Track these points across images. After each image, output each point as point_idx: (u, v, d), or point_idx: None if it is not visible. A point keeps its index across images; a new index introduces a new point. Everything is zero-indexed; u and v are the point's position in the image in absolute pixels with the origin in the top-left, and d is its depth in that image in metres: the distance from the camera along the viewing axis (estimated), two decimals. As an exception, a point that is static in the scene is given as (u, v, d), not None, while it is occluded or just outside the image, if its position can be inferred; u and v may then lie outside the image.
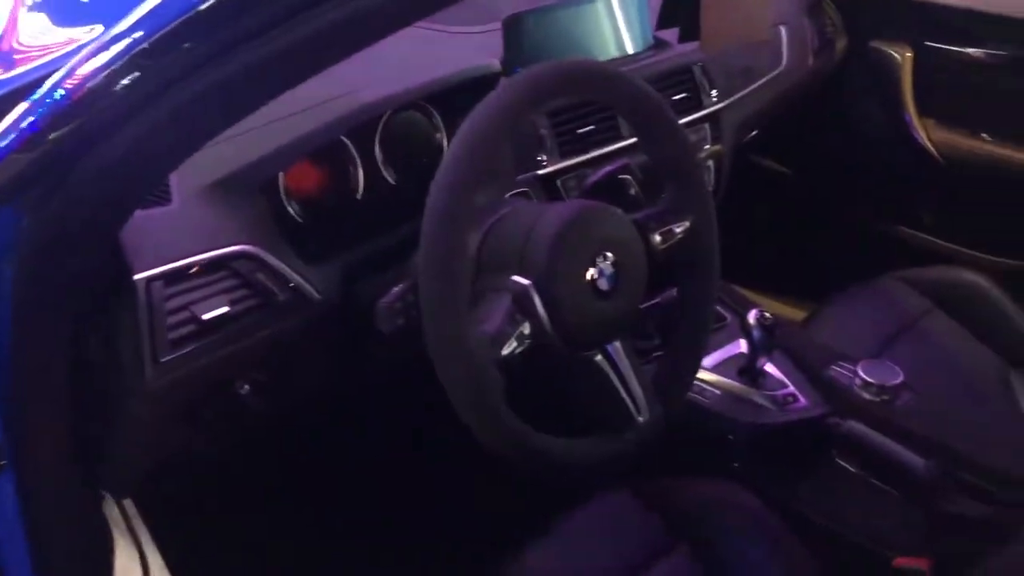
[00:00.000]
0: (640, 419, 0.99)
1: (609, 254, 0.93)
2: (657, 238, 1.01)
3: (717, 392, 1.31)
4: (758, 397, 1.30)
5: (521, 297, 0.89)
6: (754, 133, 1.66)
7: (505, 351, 0.87)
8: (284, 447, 1.59)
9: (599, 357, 0.98)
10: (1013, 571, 1.00)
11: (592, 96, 1.02)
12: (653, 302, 1.32)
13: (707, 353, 1.38)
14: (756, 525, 1.17)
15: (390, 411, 1.66)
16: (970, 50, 1.74)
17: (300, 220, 1.10)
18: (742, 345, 1.34)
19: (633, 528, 1.12)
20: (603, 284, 0.93)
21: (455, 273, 0.83)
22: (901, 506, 1.20)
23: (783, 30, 1.63)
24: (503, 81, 1.23)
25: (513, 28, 1.26)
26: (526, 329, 0.89)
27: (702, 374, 1.33)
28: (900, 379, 1.27)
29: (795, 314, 1.72)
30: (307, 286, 1.07)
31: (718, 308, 1.46)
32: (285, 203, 1.09)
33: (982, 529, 1.13)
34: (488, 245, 0.94)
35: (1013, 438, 1.30)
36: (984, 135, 1.77)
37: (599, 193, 1.14)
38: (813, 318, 1.63)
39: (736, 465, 1.30)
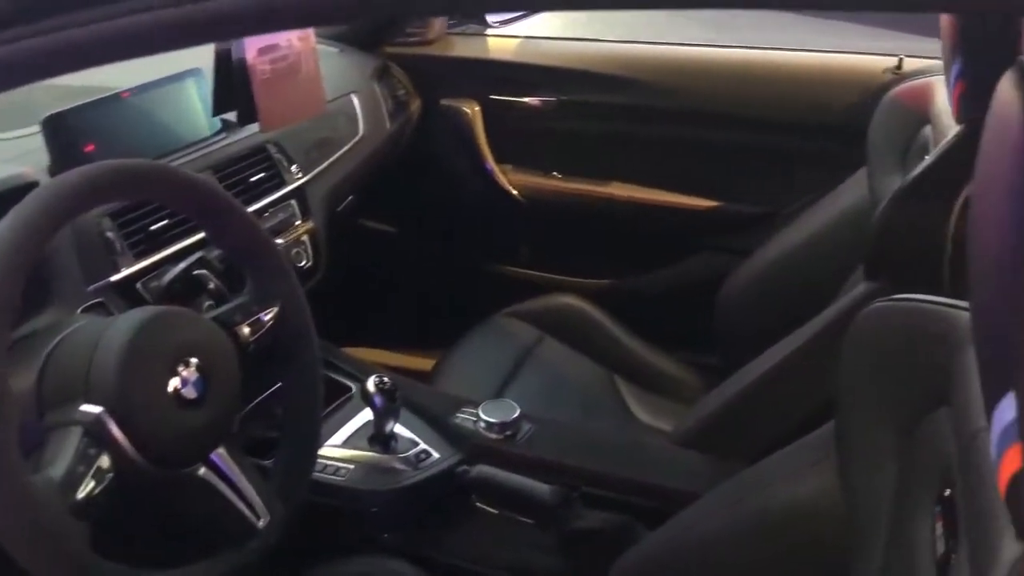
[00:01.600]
0: (261, 524, 0.94)
1: (192, 359, 0.87)
2: (245, 330, 0.96)
3: (351, 467, 1.29)
4: (392, 462, 1.30)
5: (93, 428, 0.80)
6: (349, 199, 1.68)
7: (81, 494, 0.77)
8: None
9: (203, 471, 0.91)
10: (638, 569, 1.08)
11: (131, 198, 0.96)
12: (269, 392, 1.27)
13: (337, 428, 1.36)
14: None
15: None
16: (527, 99, 1.91)
17: None
18: (370, 413, 1.34)
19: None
20: (189, 393, 0.86)
21: None
22: (538, 534, 1.26)
23: (355, 98, 1.67)
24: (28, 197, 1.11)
25: (53, 128, 1.15)
26: (104, 462, 0.80)
27: (333, 452, 1.31)
28: (517, 413, 1.33)
29: (426, 364, 1.76)
30: None
31: (340, 379, 1.44)
32: None
33: (612, 537, 1.22)
34: (48, 376, 0.84)
35: (629, 444, 1.43)
36: (555, 173, 1.95)
37: (176, 294, 1.07)
38: (438, 367, 1.68)
39: (386, 536, 1.29)
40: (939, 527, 0.67)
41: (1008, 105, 0.53)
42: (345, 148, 1.58)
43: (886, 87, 1.55)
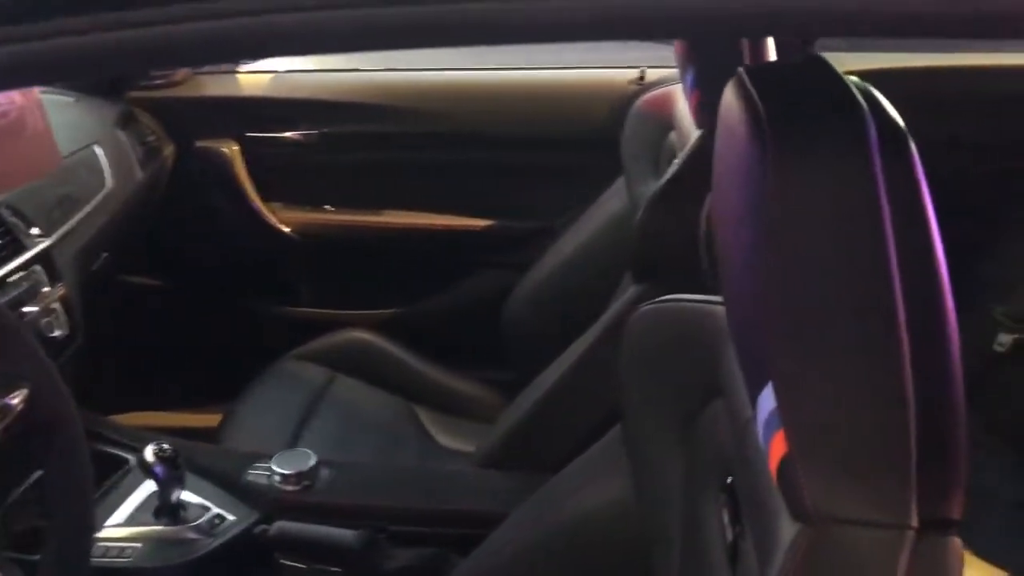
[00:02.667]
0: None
1: None
2: (-10, 419, 0.86)
3: (138, 545, 1.19)
4: (183, 532, 1.21)
5: None
6: (104, 257, 1.56)
7: None
8: None
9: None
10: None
11: None
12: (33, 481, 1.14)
13: (117, 505, 1.25)
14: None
15: None
16: (287, 134, 1.86)
17: None
18: (153, 484, 1.24)
19: None
20: (-73, 498, 0.76)
21: None
22: (350, 582, 1.22)
23: (98, 149, 1.56)
24: None
25: None
26: None
27: (116, 532, 1.21)
28: (313, 461, 1.29)
29: (213, 421, 1.66)
30: None
31: (114, 452, 1.34)
32: None
33: (426, 573, 1.20)
34: None
35: (431, 475, 1.41)
36: (326, 207, 1.91)
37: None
38: (225, 422, 1.59)
39: (189, 613, 1.20)
40: (725, 515, 0.70)
41: (732, 114, 0.57)
42: (92, 204, 1.46)
43: (632, 98, 1.64)
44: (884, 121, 0.53)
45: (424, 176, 1.89)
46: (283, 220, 1.90)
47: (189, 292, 1.96)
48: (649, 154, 1.52)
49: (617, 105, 1.68)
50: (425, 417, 1.64)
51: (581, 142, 1.76)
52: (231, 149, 1.86)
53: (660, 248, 1.20)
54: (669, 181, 1.20)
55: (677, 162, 1.24)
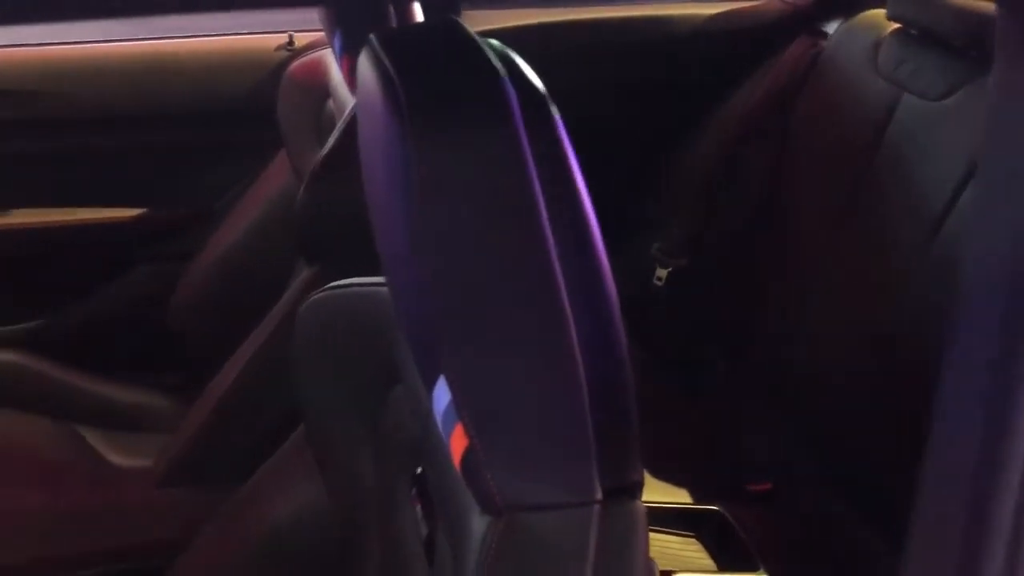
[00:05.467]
0: None
1: None
2: None
3: None
4: None
5: None
6: None
7: None
8: None
9: None
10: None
11: None
12: None
13: None
14: None
15: None
16: None
17: None
18: None
19: None
20: None
21: None
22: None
23: None
24: None
25: None
26: None
27: None
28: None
29: None
30: None
31: None
32: None
33: None
34: None
35: (100, 508, 1.25)
36: None
37: None
38: None
39: None
40: (419, 509, 0.67)
41: (367, 85, 0.52)
42: None
43: (283, 65, 1.54)
44: (522, 84, 0.50)
45: (60, 167, 1.66)
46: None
47: None
48: (309, 124, 1.44)
49: (267, 73, 1.58)
50: (93, 438, 1.46)
51: (233, 115, 1.63)
52: None
53: (327, 226, 1.13)
54: (328, 154, 1.14)
55: (334, 134, 1.17)
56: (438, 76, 0.50)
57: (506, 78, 0.50)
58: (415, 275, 0.49)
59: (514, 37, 0.55)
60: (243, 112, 1.62)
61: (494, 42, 0.54)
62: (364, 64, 0.53)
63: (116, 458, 1.42)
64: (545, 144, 0.50)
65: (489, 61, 0.51)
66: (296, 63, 1.52)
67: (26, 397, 1.48)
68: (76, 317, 1.69)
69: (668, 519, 1.17)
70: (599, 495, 0.50)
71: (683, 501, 1.25)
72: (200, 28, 1.73)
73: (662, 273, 1.63)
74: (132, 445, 1.45)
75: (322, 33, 1.58)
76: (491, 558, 0.50)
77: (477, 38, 0.52)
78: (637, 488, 0.53)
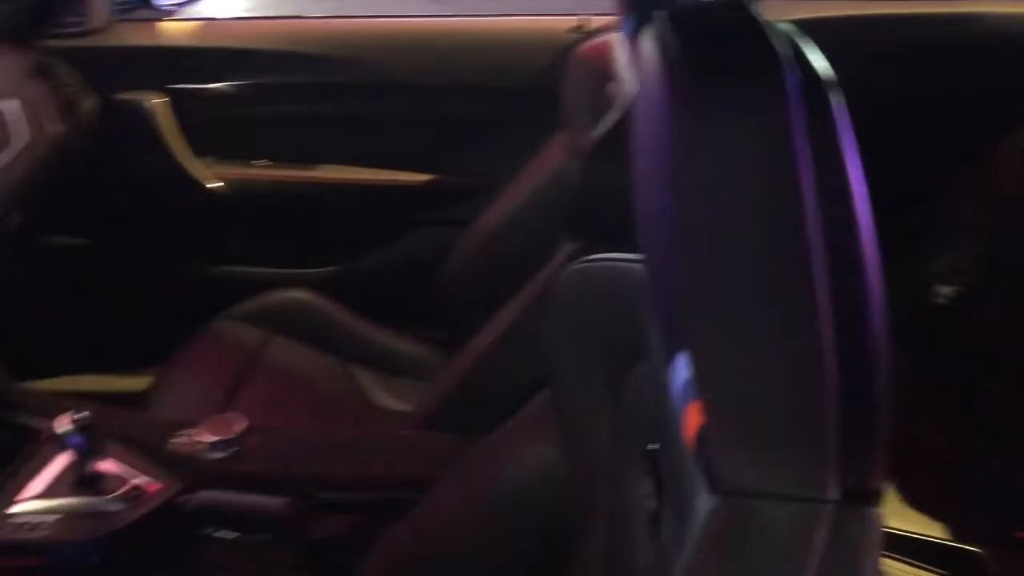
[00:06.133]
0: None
1: None
2: None
3: (53, 519, 1.14)
4: (102, 504, 1.16)
5: None
6: (15, 215, 1.48)
7: None
8: None
9: None
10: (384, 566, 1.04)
11: None
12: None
13: (30, 477, 1.20)
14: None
15: None
16: (217, 85, 1.78)
17: None
18: (70, 455, 1.19)
19: None
20: None
21: None
22: (281, 552, 1.18)
23: (9, 103, 1.47)
24: None
25: None
26: None
27: (29, 506, 1.15)
28: (242, 427, 1.24)
29: (142, 385, 1.60)
30: None
31: (29, 422, 1.28)
32: None
33: (357, 539, 1.16)
34: None
35: (365, 439, 1.37)
36: (260, 161, 1.84)
37: None
38: (154, 387, 1.54)
39: (108, 586, 1.16)
40: (648, 484, 0.67)
41: (649, 60, 0.53)
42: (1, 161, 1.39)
43: (572, 46, 1.59)
44: (806, 71, 0.49)
45: (361, 129, 1.83)
46: (215, 175, 1.82)
47: (115, 252, 1.89)
48: (590, 105, 1.47)
49: (556, 54, 1.63)
50: (363, 377, 1.60)
51: (521, 93, 1.71)
52: (156, 102, 1.77)
53: (595, 203, 1.15)
54: (607, 133, 1.16)
55: (614, 113, 1.19)
56: (716, 51, 0.50)
57: (789, 63, 0.48)
58: (668, 245, 0.50)
59: (814, 28, 0.53)
60: (529, 90, 1.68)
61: (784, 25, 0.53)
62: (647, 38, 0.54)
63: (381, 398, 1.56)
64: (822, 135, 0.48)
65: (772, 44, 0.50)
66: (584, 46, 1.56)
67: (312, 333, 1.65)
68: (362, 267, 1.86)
69: (918, 551, 1.09)
70: (834, 495, 0.48)
71: (938, 536, 1.15)
72: (498, 9, 1.82)
73: (946, 290, 1.50)
74: (396, 389, 1.58)
75: (612, 19, 1.62)
76: (711, 539, 0.50)
77: (764, 20, 0.52)
78: (876, 497, 0.50)
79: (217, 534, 1.19)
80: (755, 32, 0.50)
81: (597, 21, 1.68)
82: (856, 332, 0.48)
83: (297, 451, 1.26)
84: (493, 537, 0.92)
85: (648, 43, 0.54)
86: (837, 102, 0.49)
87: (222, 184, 1.82)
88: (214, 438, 1.22)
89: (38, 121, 1.52)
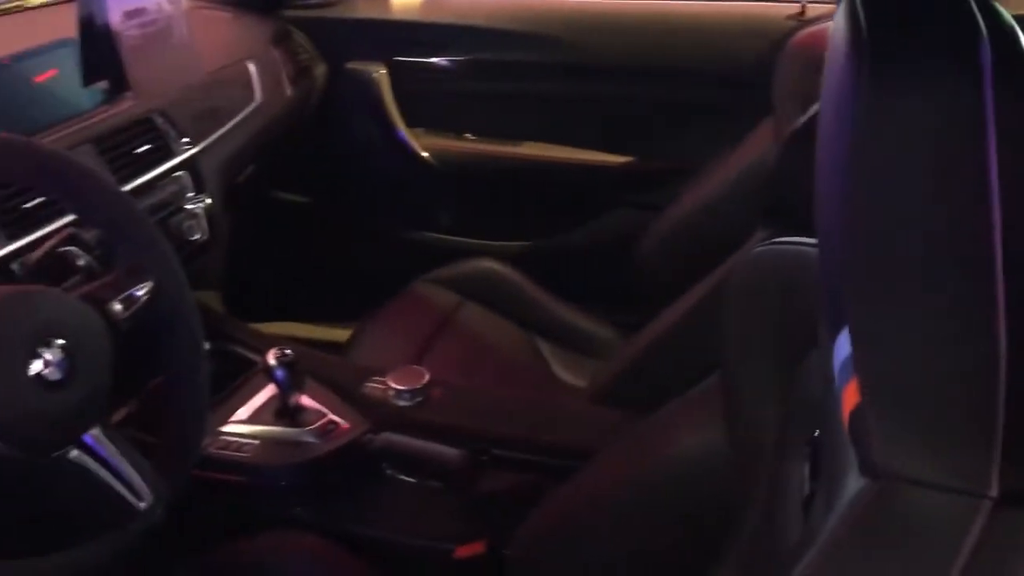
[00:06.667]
0: (142, 505, 0.90)
1: (56, 340, 0.83)
2: (117, 307, 0.92)
3: (256, 443, 1.26)
4: (298, 435, 1.27)
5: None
6: (250, 170, 1.63)
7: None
8: None
9: (75, 453, 0.87)
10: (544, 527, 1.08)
11: None
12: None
13: (241, 403, 1.33)
14: (316, 563, 1.15)
15: None
16: (436, 60, 1.87)
17: None
18: (275, 387, 1.30)
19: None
20: (53, 374, 0.82)
21: None
22: (451, 499, 1.24)
23: (250, 65, 1.62)
24: None
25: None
26: None
27: (238, 428, 1.28)
28: (426, 380, 1.31)
29: (343, 336, 1.73)
30: None
31: (244, 353, 1.41)
32: None
33: (521, 498, 1.21)
34: None
35: (540, 405, 1.41)
36: (467, 135, 1.91)
37: (47, 272, 1.03)
38: (354, 337, 1.65)
39: (296, 510, 1.26)
40: (806, 468, 0.66)
41: (838, 28, 0.52)
42: (239, 117, 1.53)
43: (789, 34, 1.54)
44: (1007, 49, 0.46)
45: (567, 109, 1.86)
46: (425, 146, 1.92)
47: (331, 211, 2.03)
48: (801, 93, 1.43)
49: (772, 41, 1.59)
50: (546, 350, 1.65)
51: (730, 79, 1.68)
52: (379, 72, 1.89)
53: (794, 189, 1.12)
54: (807, 121, 1.12)
55: (820, 103, 1.16)
56: (909, 24, 0.48)
57: (986, 39, 0.46)
58: (842, 216, 0.49)
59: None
60: (742, 76, 1.65)
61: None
62: (839, 12, 0.53)
63: (560, 372, 1.59)
64: (1017, 118, 0.46)
65: (973, 18, 0.48)
66: (802, 33, 1.51)
67: (502, 303, 1.70)
68: (557, 244, 1.90)
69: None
70: (994, 491, 0.46)
71: None
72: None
73: None
74: (575, 364, 1.61)
75: (834, 7, 1.55)
76: (856, 520, 0.49)
77: None
78: None
79: (395, 475, 1.27)
80: (955, 6, 0.48)
81: (817, 9, 1.62)
82: None
83: (476, 408, 1.32)
84: (650, 512, 0.93)
85: (840, 14, 0.53)
86: None
87: (431, 155, 1.92)
88: (402, 387, 1.31)
89: (275, 84, 1.66)
